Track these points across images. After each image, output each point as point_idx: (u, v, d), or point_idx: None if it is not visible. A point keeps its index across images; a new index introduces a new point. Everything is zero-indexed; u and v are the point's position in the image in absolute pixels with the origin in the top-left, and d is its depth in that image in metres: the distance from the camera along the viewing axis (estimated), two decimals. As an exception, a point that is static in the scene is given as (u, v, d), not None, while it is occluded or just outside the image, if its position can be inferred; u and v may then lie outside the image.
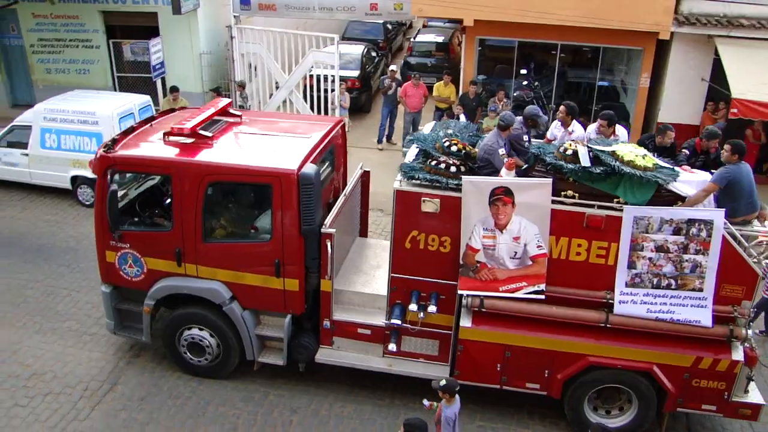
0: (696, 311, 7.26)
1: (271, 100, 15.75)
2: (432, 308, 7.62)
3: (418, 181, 7.36)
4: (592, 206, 7.14)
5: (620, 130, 8.53)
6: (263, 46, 15.22)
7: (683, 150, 8.02)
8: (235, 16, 15.48)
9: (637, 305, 7.30)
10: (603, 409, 8.02)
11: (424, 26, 22.93)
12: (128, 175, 8.22)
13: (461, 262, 7.41)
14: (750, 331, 7.32)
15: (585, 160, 7.10)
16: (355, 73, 17.26)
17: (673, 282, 7.22)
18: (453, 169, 7.37)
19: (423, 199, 7.30)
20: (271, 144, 8.08)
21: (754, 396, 7.67)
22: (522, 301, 7.44)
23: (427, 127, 8.81)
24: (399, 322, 7.72)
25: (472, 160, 7.61)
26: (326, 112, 15.10)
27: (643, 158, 7.18)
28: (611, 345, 7.46)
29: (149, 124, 8.63)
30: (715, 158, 8.13)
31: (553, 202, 7.13)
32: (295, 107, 15.43)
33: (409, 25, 24.67)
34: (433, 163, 7.47)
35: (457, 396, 6.61)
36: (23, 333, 9.16)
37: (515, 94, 15.58)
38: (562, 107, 8.57)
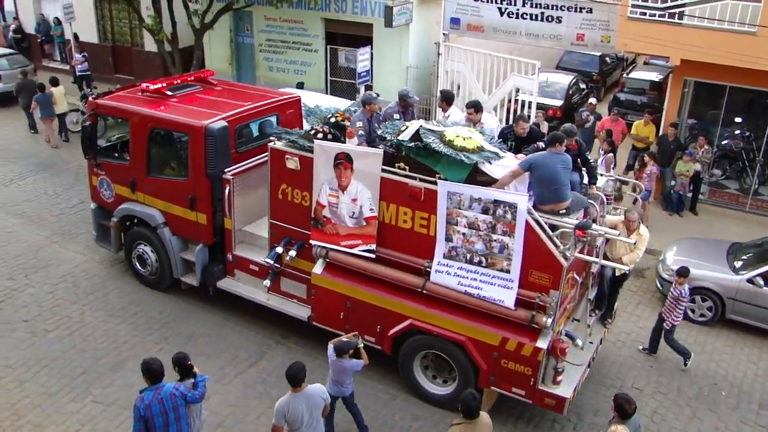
0: (501, 291, 7.91)
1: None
2: (292, 253, 9.24)
3: (290, 143, 9.04)
4: (414, 178, 8.19)
5: (486, 116, 9.22)
6: (467, 66, 15.83)
7: (539, 143, 8.49)
8: (444, 34, 16.13)
9: (450, 276, 8.16)
10: (441, 378, 8.87)
11: (645, 63, 22.54)
12: (109, 118, 10.99)
13: (312, 215, 8.93)
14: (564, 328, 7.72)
15: (404, 135, 8.18)
16: (558, 103, 17.80)
17: (483, 260, 7.95)
18: (320, 135, 8.91)
19: (286, 156, 8.98)
20: (210, 106, 10.33)
21: (562, 389, 7.98)
22: (357, 257, 8.72)
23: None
24: (271, 261, 9.45)
25: (341, 130, 9.03)
26: None
27: (464, 140, 8.02)
28: (432, 312, 8.40)
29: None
30: (576, 154, 8.46)
31: (384, 171, 8.32)
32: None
33: (632, 60, 24.21)
34: (312, 131, 9.08)
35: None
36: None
37: (723, 143, 14.83)
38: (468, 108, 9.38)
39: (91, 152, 10.75)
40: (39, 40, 23.15)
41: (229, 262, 10.16)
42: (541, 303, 7.71)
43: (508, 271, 7.85)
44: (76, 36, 20.23)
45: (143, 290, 10.98)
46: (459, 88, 16.17)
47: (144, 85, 10.70)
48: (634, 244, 8.64)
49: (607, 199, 9.06)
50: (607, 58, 22.51)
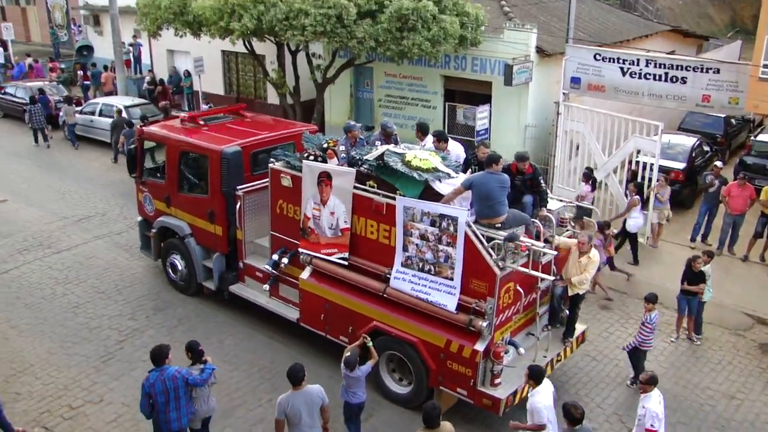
0: (445, 296, 9.12)
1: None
2: (285, 260, 10.86)
3: (286, 164, 10.76)
4: (378, 194, 9.63)
5: (453, 144, 10.52)
6: (587, 126, 15.93)
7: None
8: (564, 94, 16.35)
9: (405, 282, 9.47)
10: (406, 380, 10.04)
11: None
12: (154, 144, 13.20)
13: (301, 226, 10.54)
14: (484, 322, 8.76)
15: (371, 156, 9.67)
16: (681, 165, 17.38)
17: (432, 268, 9.23)
18: (311, 158, 10.57)
19: (281, 175, 10.69)
20: (233, 134, 12.29)
21: (499, 392, 8.96)
22: (334, 264, 10.20)
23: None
24: (269, 268, 11.10)
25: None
26: (646, 200, 15.18)
27: (421, 161, 9.42)
28: (391, 315, 9.71)
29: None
30: (530, 178, 9.56)
31: (356, 188, 9.83)
32: (610, 190, 15.96)
33: (759, 122, 23.59)
34: (305, 155, 10.77)
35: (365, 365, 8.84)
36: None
37: None
38: (431, 137, 10.80)
39: (137, 172, 12.99)
40: (170, 91, 25.39)
41: (240, 270, 11.94)
42: (477, 308, 8.83)
43: (451, 279, 9.05)
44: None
45: (260, 336, 11.72)
46: (578, 148, 16.39)
47: (183, 115, 12.89)
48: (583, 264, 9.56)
49: (562, 222, 10.02)
50: (733, 120, 21.92)
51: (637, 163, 15.31)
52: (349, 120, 11.65)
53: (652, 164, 15.00)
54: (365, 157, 9.80)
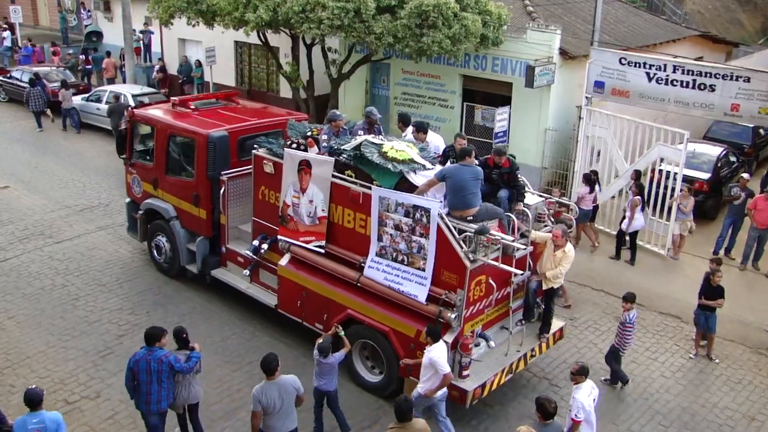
0: (417, 287, 9.26)
1: (608, 188, 16.09)
2: (264, 246, 11.01)
3: (269, 151, 10.90)
4: (356, 184, 9.76)
5: (432, 136, 10.67)
6: (609, 132, 15.78)
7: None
8: (586, 98, 16.05)
9: (379, 272, 9.62)
10: (378, 369, 10.19)
11: None
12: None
13: (280, 213, 10.69)
14: (452, 314, 8.89)
15: (348, 146, 9.80)
16: (706, 176, 16.98)
17: (405, 258, 9.35)
18: (294, 146, 10.70)
19: (264, 162, 10.84)
20: (222, 119, 12.45)
21: (467, 384, 9.09)
22: (311, 252, 10.35)
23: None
24: (250, 253, 11.27)
25: (317, 142, 10.78)
26: (668, 212, 15.06)
27: (397, 152, 9.54)
28: (365, 303, 9.86)
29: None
30: (507, 172, 9.66)
31: (334, 177, 9.96)
32: (629, 198, 15.25)
33: None
34: (288, 142, 10.90)
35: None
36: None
37: None
38: (411, 127, 10.97)
39: (127, 153, 13.19)
40: (180, 81, 25.08)
41: (223, 254, 12.12)
42: (447, 299, 8.95)
43: (423, 270, 9.19)
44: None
45: (263, 337, 11.48)
46: (599, 154, 16.17)
47: (174, 99, 13.07)
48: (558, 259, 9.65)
49: (540, 217, 10.11)
50: (761, 130, 21.27)
51: (660, 171, 15.02)
52: (335, 110, 11.71)
53: (675, 173, 14.67)
54: (343, 147, 9.92)
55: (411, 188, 9.46)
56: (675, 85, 14.75)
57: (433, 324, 8.86)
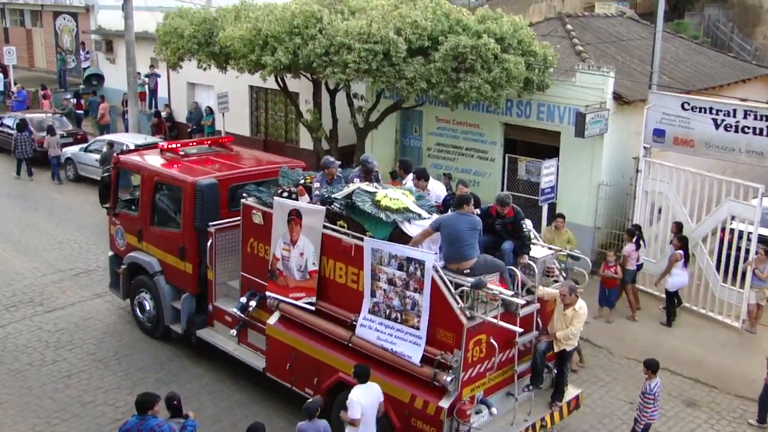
0: (411, 347, 8.60)
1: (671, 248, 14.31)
2: (252, 304, 10.35)
3: (258, 200, 10.35)
4: (347, 235, 9.16)
5: (433, 183, 10.19)
6: (672, 186, 14.36)
7: (475, 210, 9.14)
8: (645, 148, 14.72)
9: (371, 331, 8.96)
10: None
11: None
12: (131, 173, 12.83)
13: (269, 267, 10.06)
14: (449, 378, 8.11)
15: (340, 194, 9.25)
16: None
17: (399, 315, 8.71)
18: (285, 194, 10.15)
19: (252, 211, 10.28)
20: (213, 167, 11.96)
21: (467, 455, 8.25)
22: (301, 309, 9.68)
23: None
24: (237, 312, 10.59)
25: (310, 191, 10.22)
26: (742, 278, 13.52)
27: (391, 200, 8.98)
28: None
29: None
30: (511, 222, 9.05)
31: (325, 227, 9.37)
32: (698, 263, 14.12)
33: None
34: (279, 190, 10.36)
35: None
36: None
37: None
38: (412, 175, 10.39)
39: (110, 202, 12.66)
40: (189, 129, 23.61)
41: (210, 313, 11.44)
42: (442, 361, 8.23)
43: (417, 328, 8.52)
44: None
45: (279, 422, 10.35)
46: (660, 211, 14.80)
47: (162, 144, 12.64)
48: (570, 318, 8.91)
49: (549, 272, 9.42)
50: None
51: (732, 231, 13.54)
52: (328, 156, 11.17)
53: (750, 233, 13.20)
54: (334, 195, 9.37)
55: (407, 240, 8.85)
56: (746, 133, 13.38)
57: (361, 365, 8.54)
